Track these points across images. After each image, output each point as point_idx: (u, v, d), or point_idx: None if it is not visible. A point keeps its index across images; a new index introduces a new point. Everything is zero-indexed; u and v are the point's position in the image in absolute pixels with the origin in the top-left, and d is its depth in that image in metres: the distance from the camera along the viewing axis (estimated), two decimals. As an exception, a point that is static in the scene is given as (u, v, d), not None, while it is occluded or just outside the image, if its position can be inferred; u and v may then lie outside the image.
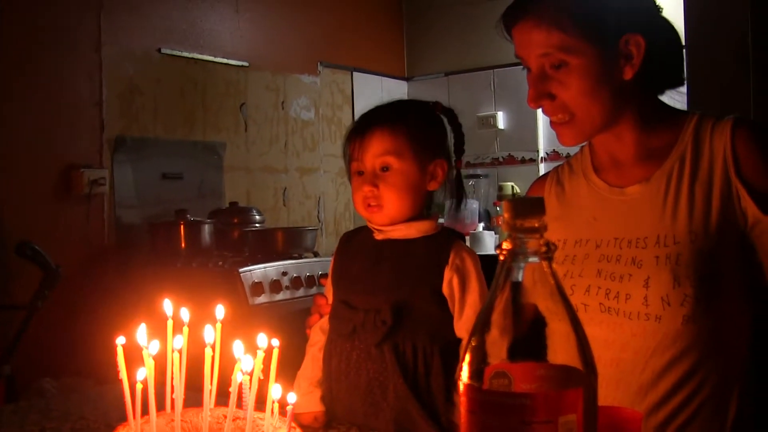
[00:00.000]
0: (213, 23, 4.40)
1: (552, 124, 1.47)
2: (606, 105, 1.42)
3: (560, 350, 0.77)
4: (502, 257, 0.79)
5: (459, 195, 1.58)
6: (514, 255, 0.78)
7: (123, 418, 1.16)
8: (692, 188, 1.41)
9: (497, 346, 0.77)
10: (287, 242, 3.87)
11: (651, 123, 1.47)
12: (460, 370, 0.78)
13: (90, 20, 3.78)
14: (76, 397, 1.78)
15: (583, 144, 1.61)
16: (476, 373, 0.77)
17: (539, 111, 1.48)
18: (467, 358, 0.78)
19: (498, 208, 4.98)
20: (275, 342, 1.15)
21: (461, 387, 0.78)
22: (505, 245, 0.79)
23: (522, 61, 1.47)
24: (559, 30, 1.39)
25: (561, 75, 1.41)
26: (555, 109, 1.44)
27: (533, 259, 0.78)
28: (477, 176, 5.15)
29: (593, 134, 1.47)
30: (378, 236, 1.53)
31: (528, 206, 0.78)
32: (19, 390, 3.09)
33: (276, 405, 1.14)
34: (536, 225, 0.78)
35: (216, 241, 3.87)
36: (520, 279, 0.78)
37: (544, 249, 0.78)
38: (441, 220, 1.57)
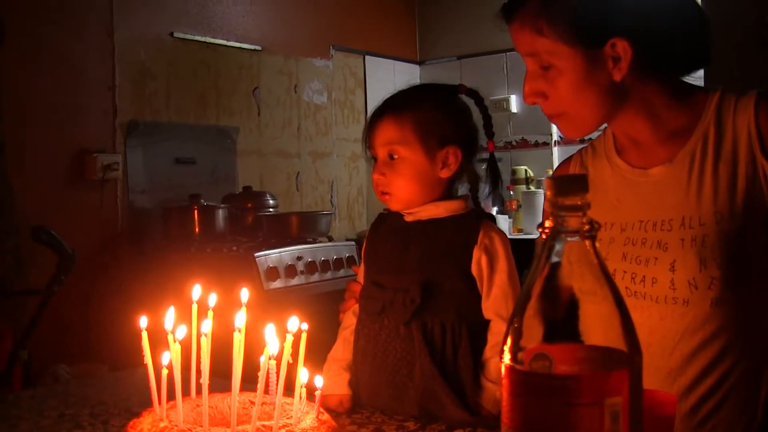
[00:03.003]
0: (225, 6, 4.38)
1: (550, 118, 1.46)
2: (597, 103, 1.40)
3: (602, 331, 0.75)
4: (543, 236, 0.77)
5: (494, 179, 1.56)
6: (556, 233, 0.76)
7: (143, 404, 1.15)
8: (716, 168, 1.37)
9: (537, 327, 0.75)
10: (301, 227, 3.86)
11: (662, 105, 1.43)
12: (501, 352, 0.76)
13: (102, 4, 3.77)
14: (95, 383, 1.77)
15: (605, 125, 1.58)
16: (517, 355, 0.75)
17: None
18: (508, 340, 0.76)
19: (511, 192, 4.96)
20: (304, 326, 1.13)
21: (503, 369, 0.76)
22: (547, 223, 0.77)
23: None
24: (540, 35, 1.38)
25: (550, 75, 1.39)
26: (548, 106, 1.43)
27: (574, 238, 0.76)
28: (490, 160, 5.12)
29: (594, 127, 1.45)
30: (408, 218, 1.52)
31: (570, 183, 0.76)
32: (33, 376, 3.09)
33: (303, 390, 1.12)
34: (579, 203, 0.76)
35: (230, 225, 3.86)
36: (560, 258, 0.76)
37: (586, 227, 0.76)
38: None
